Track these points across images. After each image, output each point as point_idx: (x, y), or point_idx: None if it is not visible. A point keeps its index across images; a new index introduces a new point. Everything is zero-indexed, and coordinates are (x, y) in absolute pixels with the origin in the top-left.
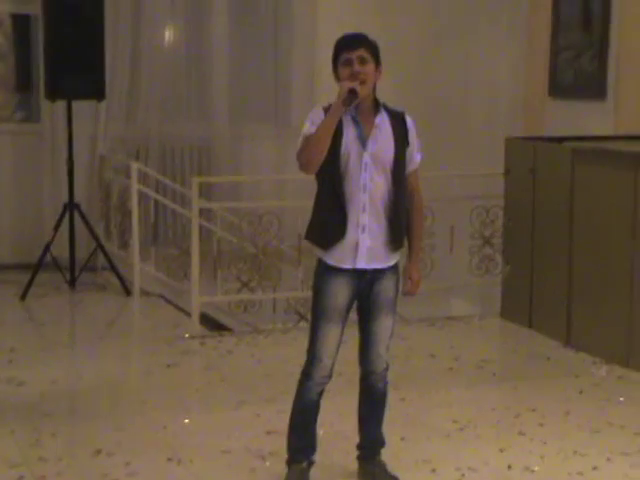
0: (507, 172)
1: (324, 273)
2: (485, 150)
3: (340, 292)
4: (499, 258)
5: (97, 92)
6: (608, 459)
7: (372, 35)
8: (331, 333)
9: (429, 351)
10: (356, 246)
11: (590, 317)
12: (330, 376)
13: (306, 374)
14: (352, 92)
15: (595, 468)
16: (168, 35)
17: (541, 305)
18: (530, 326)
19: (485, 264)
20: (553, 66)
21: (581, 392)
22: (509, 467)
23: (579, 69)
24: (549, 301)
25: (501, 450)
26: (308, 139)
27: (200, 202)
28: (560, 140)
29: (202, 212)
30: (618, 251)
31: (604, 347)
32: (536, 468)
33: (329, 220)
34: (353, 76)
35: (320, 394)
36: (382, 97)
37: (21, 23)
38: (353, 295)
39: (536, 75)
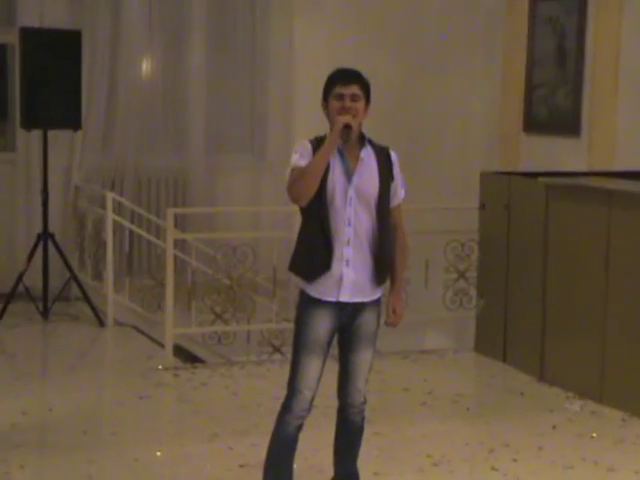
0: (482, 206)
1: (307, 305)
2: (460, 184)
3: (322, 324)
4: (473, 292)
5: (73, 122)
6: None
7: (348, 66)
8: (312, 366)
9: (403, 385)
10: (340, 279)
11: (564, 352)
12: (309, 409)
13: (286, 407)
14: (347, 127)
15: None
16: (145, 66)
17: (515, 339)
18: (504, 360)
19: (459, 298)
20: (528, 102)
21: (554, 427)
22: None
23: (554, 105)
24: (523, 335)
25: None
26: (302, 172)
27: (175, 233)
28: (535, 175)
29: (177, 243)
30: (591, 286)
31: (578, 382)
32: None
33: (314, 252)
34: (344, 110)
35: (299, 428)
36: None
37: None
38: (335, 328)
39: (511, 110)
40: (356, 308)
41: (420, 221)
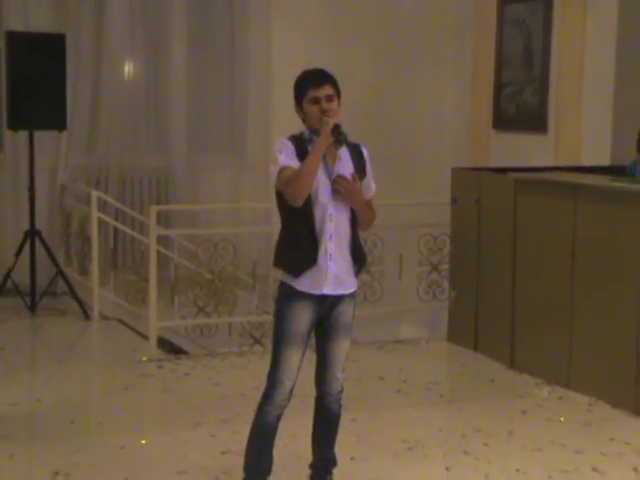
0: (454, 201)
1: (288, 298)
2: (433, 180)
3: (303, 317)
4: (446, 284)
5: (58, 123)
6: (549, 477)
7: (324, 67)
8: (294, 357)
9: (379, 373)
10: (325, 273)
11: (533, 340)
12: (289, 399)
13: (267, 397)
14: (337, 126)
15: None
16: (128, 68)
17: (486, 329)
18: (475, 349)
19: (433, 290)
20: (497, 100)
21: (524, 412)
22: None
23: (521, 103)
24: (494, 325)
25: (447, 469)
26: (297, 174)
27: (158, 229)
28: (504, 171)
29: (160, 239)
30: (559, 276)
31: (546, 369)
32: None
33: (301, 248)
34: (325, 112)
35: (278, 417)
36: None
37: None
38: (315, 319)
39: (481, 109)
40: (335, 300)
41: (394, 216)
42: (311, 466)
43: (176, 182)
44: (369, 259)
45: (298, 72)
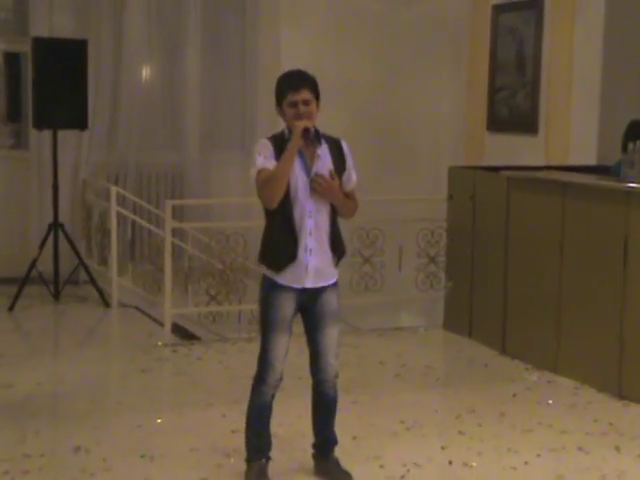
0: (450, 197)
1: (271, 290)
2: (430, 178)
3: (287, 305)
4: (442, 275)
5: (80, 122)
6: (538, 455)
7: (329, 70)
8: (281, 342)
9: (379, 358)
10: (306, 267)
11: (523, 328)
12: (281, 379)
13: (260, 379)
14: (307, 130)
15: (526, 463)
16: (145, 72)
17: (480, 317)
18: (470, 336)
19: (430, 280)
20: (491, 103)
21: (515, 395)
22: (450, 463)
23: (514, 106)
24: (487, 313)
25: (443, 447)
26: (270, 177)
27: (173, 223)
28: (497, 169)
29: (175, 232)
30: (548, 268)
31: (535, 355)
32: (474, 464)
33: (281, 244)
34: (299, 116)
35: (273, 396)
36: (337, 127)
37: (12, 60)
38: (297, 307)
39: (476, 111)
40: (317, 291)
41: (394, 211)
42: (314, 445)
43: (190, 178)
44: (370, 251)
45: None
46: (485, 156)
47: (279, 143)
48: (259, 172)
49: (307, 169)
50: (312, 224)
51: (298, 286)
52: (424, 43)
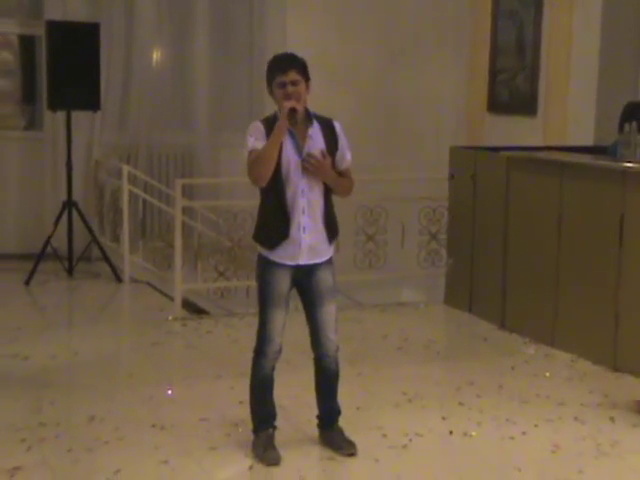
0: (451, 177)
1: (266, 268)
2: (432, 157)
3: (282, 282)
4: (444, 252)
5: (93, 104)
6: (535, 425)
7: (334, 54)
8: (278, 316)
9: (382, 333)
10: (299, 245)
11: (521, 303)
12: (280, 352)
13: (260, 353)
14: (293, 110)
15: (524, 433)
16: (156, 55)
17: (479, 293)
18: (470, 311)
19: (431, 257)
20: (491, 86)
21: (513, 368)
22: (450, 432)
23: (514, 89)
24: (486, 289)
25: (443, 418)
26: (257, 156)
27: (183, 201)
28: (497, 150)
29: (184, 210)
30: (546, 246)
31: (533, 329)
32: (473, 433)
33: (274, 223)
34: (288, 96)
35: (273, 368)
36: (343, 109)
37: (27, 43)
38: (292, 283)
39: (477, 93)
40: (311, 267)
41: (397, 190)
42: (318, 417)
43: (199, 158)
44: (374, 229)
45: (310, 59)
46: (485, 137)
47: (271, 124)
48: (250, 153)
49: (299, 149)
50: (305, 203)
51: (292, 263)
52: (426, 28)
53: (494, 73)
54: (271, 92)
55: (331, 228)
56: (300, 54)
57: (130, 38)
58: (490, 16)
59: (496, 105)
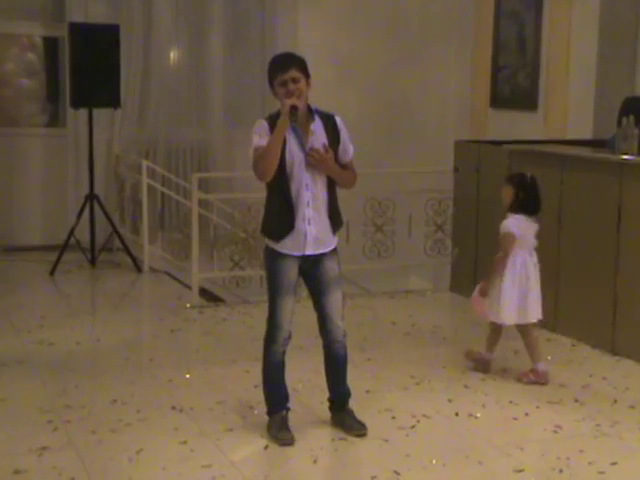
0: (456, 170)
1: (273, 258)
2: (437, 151)
3: (290, 270)
4: (449, 242)
5: (114, 101)
6: (537, 407)
7: (343, 51)
8: (287, 304)
9: (390, 319)
10: (304, 236)
11: None
12: (290, 338)
13: (271, 339)
14: (294, 108)
15: (527, 414)
16: (173, 55)
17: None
18: None
19: (437, 246)
20: (494, 82)
21: (516, 352)
22: (456, 414)
23: (515, 84)
24: None
25: (450, 400)
26: (262, 153)
27: (199, 194)
28: (500, 143)
29: (201, 202)
30: (547, 235)
31: None
32: (478, 415)
33: (280, 216)
34: (289, 93)
35: (284, 353)
36: (352, 105)
37: (51, 44)
38: (299, 272)
39: (480, 89)
40: (317, 257)
41: (404, 182)
42: (329, 399)
43: (215, 152)
44: (382, 220)
45: (320, 58)
46: (488, 131)
47: (275, 121)
48: (255, 150)
49: (302, 144)
50: (310, 196)
51: (299, 253)
52: (432, 27)
53: (496, 70)
54: (274, 91)
55: (335, 219)
56: (311, 52)
57: (148, 39)
58: (492, 15)
59: (498, 100)
